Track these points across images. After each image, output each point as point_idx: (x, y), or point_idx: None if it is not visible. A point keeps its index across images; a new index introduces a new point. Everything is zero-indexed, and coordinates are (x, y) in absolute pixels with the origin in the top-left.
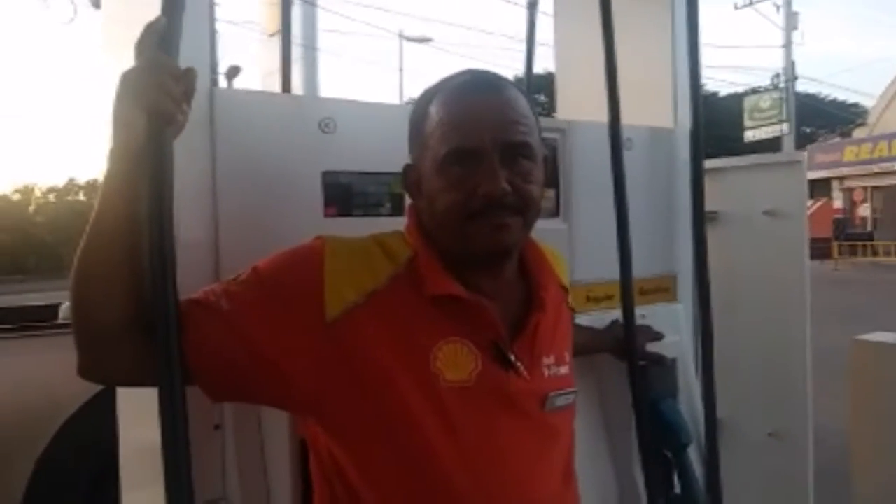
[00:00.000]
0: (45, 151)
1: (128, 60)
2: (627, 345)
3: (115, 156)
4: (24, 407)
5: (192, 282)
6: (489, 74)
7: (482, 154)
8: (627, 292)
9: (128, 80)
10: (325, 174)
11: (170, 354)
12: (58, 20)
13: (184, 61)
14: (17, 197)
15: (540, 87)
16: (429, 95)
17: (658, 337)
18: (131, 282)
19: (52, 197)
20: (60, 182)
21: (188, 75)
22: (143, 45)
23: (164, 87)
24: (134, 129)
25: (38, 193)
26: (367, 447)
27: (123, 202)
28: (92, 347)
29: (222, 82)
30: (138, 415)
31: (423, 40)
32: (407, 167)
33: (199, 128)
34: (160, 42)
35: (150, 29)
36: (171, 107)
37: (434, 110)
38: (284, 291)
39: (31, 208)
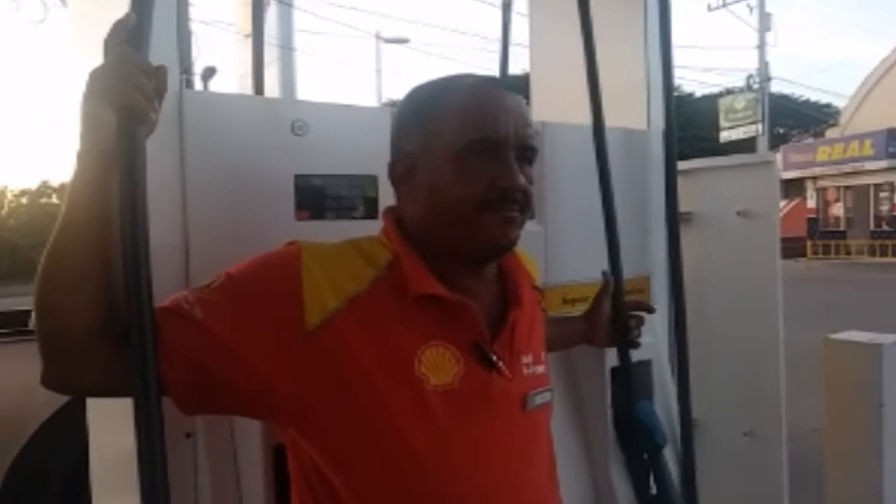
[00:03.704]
0: (17, 153)
1: (96, 58)
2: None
3: (85, 156)
4: None
5: (162, 288)
6: (500, 80)
7: (504, 147)
8: (619, 295)
9: (97, 77)
10: (298, 177)
11: (145, 363)
12: (28, 20)
13: (151, 61)
14: None
15: (519, 88)
16: (437, 87)
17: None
18: (102, 286)
19: (24, 200)
20: (33, 185)
21: (160, 72)
22: (111, 42)
23: (135, 83)
24: (105, 127)
25: (9, 196)
26: (351, 454)
27: (94, 204)
28: (58, 355)
29: (198, 83)
30: (109, 422)
31: (401, 41)
32: (397, 158)
33: (167, 131)
34: (129, 39)
35: (119, 26)
36: (143, 103)
37: (452, 99)
38: (261, 299)
39: (3, 212)
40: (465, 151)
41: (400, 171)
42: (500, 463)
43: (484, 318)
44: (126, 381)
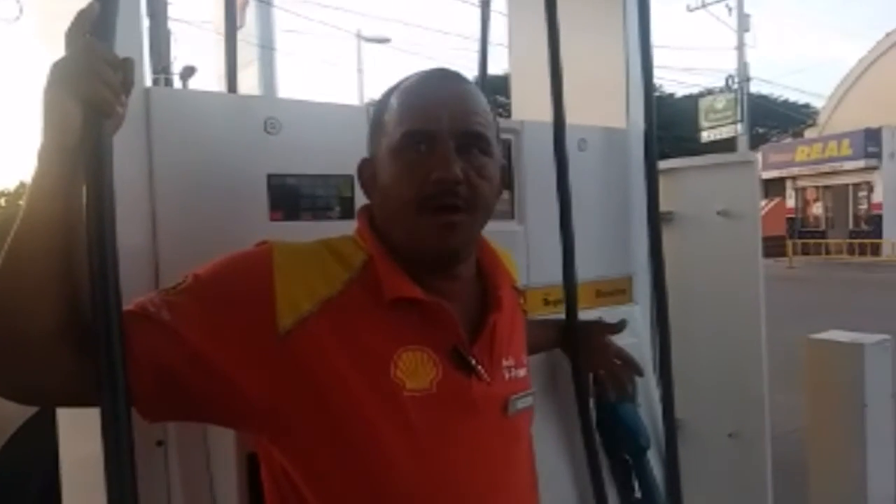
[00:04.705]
0: None
1: (58, 52)
2: (572, 350)
3: (48, 153)
4: None
5: (129, 292)
6: (450, 70)
7: (438, 138)
8: (571, 294)
9: (60, 68)
10: (271, 177)
11: (114, 373)
12: (2, 19)
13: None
14: None
15: (498, 88)
16: (391, 90)
17: (619, 328)
18: (65, 290)
19: (2, 201)
20: (11, 186)
21: (126, 64)
22: (74, 33)
23: (100, 75)
24: (69, 122)
25: None
26: (323, 463)
27: (58, 203)
28: (15, 361)
29: (177, 83)
30: (79, 427)
31: (382, 41)
32: (363, 162)
33: (134, 129)
34: (93, 30)
35: (82, 16)
36: (109, 96)
37: (394, 99)
38: (231, 300)
39: None
40: (401, 146)
41: (365, 177)
42: (480, 469)
43: (462, 321)
44: (88, 389)
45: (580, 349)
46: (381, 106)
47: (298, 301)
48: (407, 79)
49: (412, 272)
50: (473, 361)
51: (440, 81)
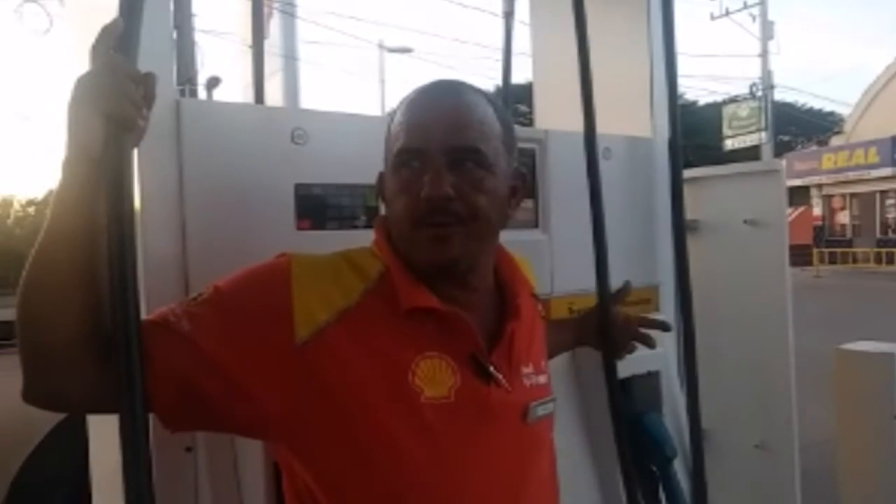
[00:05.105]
0: (24, 163)
1: (84, 66)
2: (606, 360)
3: (71, 165)
4: None
5: (160, 301)
6: (453, 81)
7: (428, 155)
8: (604, 304)
9: (83, 83)
10: (298, 186)
11: (132, 380)
12: (32, 31)
13: (143, 69)
14: None
15: (521, 97)
16: (400, 103)
17: (662, 325)
18: (89, 299)
19: (31, 210)
20: (40, 195)
21: (148, 79)
22: (98, 48)
23: (123, 89)
24: (92, 135)
25: (17, 206)
26: (343, 471)
27: (81, 214)
28: (41, 369)
29: (202, 94)
30: (109, 435)
31: (404, 51)
32: (379, 175)
33: (164, 140)
34: (117, 45)
35: (107, 31)
36: (131, 111)
37: (397, 114)
38: (249, 312)
39: (10, 221)
40: (398, 163)
41: (380, 189)
42: (500, 477)
43: (480, 330)
44: (112, 397)
45: (609, 333)
46: (390, 119)
47: (316, 312)
48: (411, 92)
49: (428, 282)
50: (492, 368)
51: (435, 96)
